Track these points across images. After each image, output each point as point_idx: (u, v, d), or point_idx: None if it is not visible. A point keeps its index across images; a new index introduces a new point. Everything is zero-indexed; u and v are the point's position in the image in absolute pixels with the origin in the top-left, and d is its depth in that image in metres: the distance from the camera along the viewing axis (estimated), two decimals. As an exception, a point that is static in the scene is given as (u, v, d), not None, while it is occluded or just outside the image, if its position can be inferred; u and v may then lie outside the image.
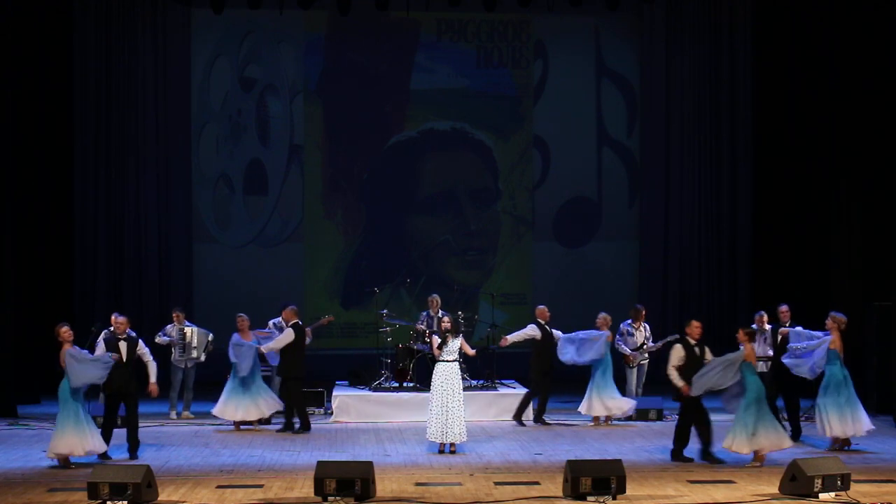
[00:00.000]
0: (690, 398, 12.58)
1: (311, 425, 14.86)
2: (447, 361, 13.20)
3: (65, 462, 12.44)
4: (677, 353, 12.78)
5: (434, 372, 13.31)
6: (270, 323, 15.97)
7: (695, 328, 12.97)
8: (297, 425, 14.76)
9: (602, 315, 15.62)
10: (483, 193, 21.09)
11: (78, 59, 19.91)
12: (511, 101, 21.03)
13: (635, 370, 16.09)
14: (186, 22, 20.44)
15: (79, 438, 12.39)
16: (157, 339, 16.14)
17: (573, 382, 16.80)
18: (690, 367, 12.61)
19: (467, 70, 20.96)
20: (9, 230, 16.93)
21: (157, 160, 20.30)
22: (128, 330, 13.45)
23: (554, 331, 15.51)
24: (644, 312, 16.24)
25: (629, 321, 16.14)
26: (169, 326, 16.23)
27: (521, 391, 16.10)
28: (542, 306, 15.77)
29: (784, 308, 14.83)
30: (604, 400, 15.24)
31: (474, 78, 20.98)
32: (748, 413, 12.35)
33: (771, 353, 15.90)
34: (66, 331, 12.70)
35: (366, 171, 20.92)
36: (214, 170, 20.76)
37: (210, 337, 16.24)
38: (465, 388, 14.07)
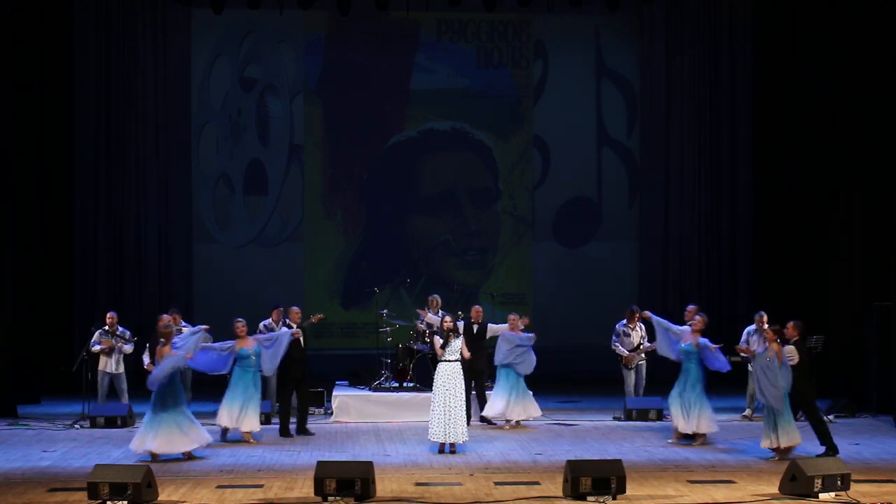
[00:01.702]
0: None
1: (291, 433, 14.55)
2: (449, 361, 13.21)
3: (154, 458, 12.71)
4: None
5: (436, 372, 13.32)
6: (261, 324, 15.87)
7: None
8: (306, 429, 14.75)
9: (512, 316, 15.52)
10: (483, 193, 21.09)
11: (78, 59, 19.91)
12: (511, 101, 21.03)
13: (633, 371, 16.06)
14: (186, 22, 20.44)
15: (181, 435, 12.80)
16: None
17: (573, 383, 16.80)
18: None
19: (467, 70, 20.96)
20: (9, 230, 16.91)
21: (157, 160, 20.29)
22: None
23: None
24: (638, 315, 16.16)
25: (624, 321, 16.09)
26: (166, 328, 16.18)
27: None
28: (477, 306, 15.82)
29: (692, 308, 14.85)
30: (525, 404, 15.21)
31: (474, 78, 20.98)
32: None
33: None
34: (167, 323, 13.56)
35: (366, 171, 20.92)
36: (214, 170, 20.76)
37: (204, 334, 16.10)
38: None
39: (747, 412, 15.89)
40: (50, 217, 19.04)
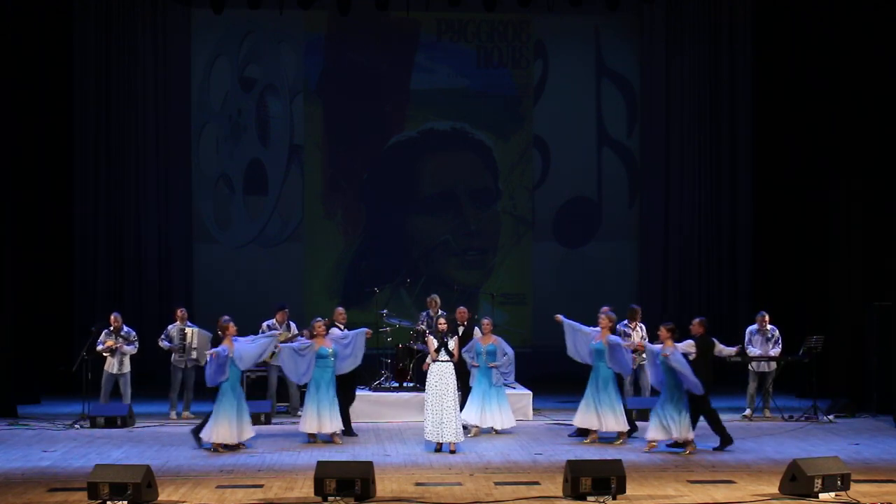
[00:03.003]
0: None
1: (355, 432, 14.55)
2: (442, 361, 13.26)
3: (220, 449, 13.24)
4: None
5: (429, 372, 13.35)
6: (264, 324, 15.90)
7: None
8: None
9: (485, 320, 14.88)
10: (483, 193, 21.09)
11: (78, 59, 19.91)
12: (511, 101, 21.03)
13: (634, 372, 16.02)
14: (186, 22, 20.44)
15: (232, 428, 13.27)
16: (160, 344, 16.12)
17: (573, 383, 16.79)
18: None
19: (467, 70, 20.96)
20: (9, 230, 16.91)
21: (157, 160, 20.29)
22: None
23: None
24: (640, 312, 16.18)
25: (625, 321, 16.09)
26: (171, 326, 16.19)
27: (522, 391, 16.10)
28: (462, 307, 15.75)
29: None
30: (498, 412, 14.75)
31: (474, 78, 20.98)
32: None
33: (773, 352, 15.95)
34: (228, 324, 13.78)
35: (366, 171, 20.92)
36: (214, 170, 20.76)
37: (211, 338, 16.14)
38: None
39: (747, 412, 15.90)
40: (50, 217, 19.03)
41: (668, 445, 13.50)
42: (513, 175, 21.07)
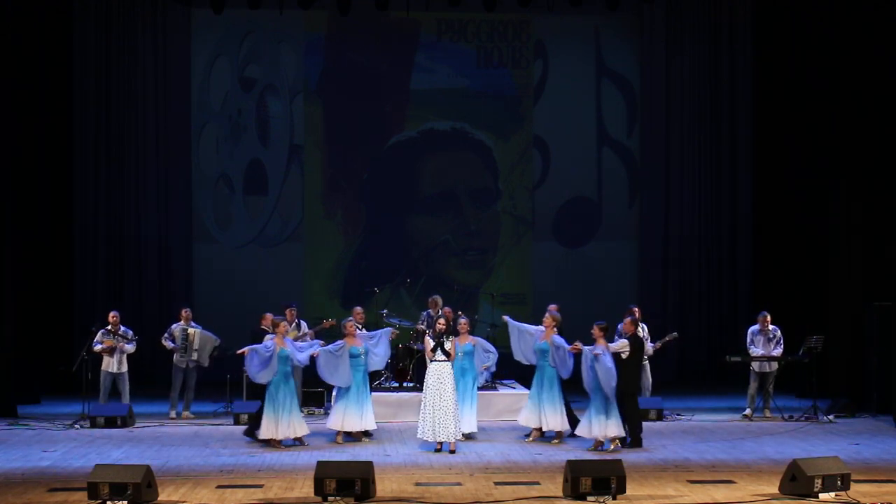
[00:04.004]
0: None
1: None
2: (439, 361, 13.26)
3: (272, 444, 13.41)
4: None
5: (427, 372, 13.37)
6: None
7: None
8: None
9: (462, 320, 14.44)
10: (483, 193, 21.10)
11: (78, 59, 19.92)
12: (511, 101, 21.03)
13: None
14: (186, 22, 20.45)
15: (276, 424, 13.42)
16: (163, 343, 16.12)
17: (573, 383, 16.76)
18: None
19: (467, 70, 20.96)
20: (9, 230, 16.91)
21: (157, 160, 20.31)
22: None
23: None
24: (638, 312, 16.14)
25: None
26: (174, 325, 16.18)
27: (521, 391, 16.09)
28: (447, 309, 15.60)
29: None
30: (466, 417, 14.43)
31: (474, 78, 20.98)
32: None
33: (776, 352, 15.93)
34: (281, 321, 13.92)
35: (366, 171, 20.92)
36: (214, 170, 20.76)
37: (217, 342, 16.11)
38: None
39: (748, 412, 15.89)
40: (50, 217, 19.04)
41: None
42: (513, 175, 21.07)
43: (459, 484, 11.40)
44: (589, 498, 10.55)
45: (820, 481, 10.62)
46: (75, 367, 15.79)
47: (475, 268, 21.02)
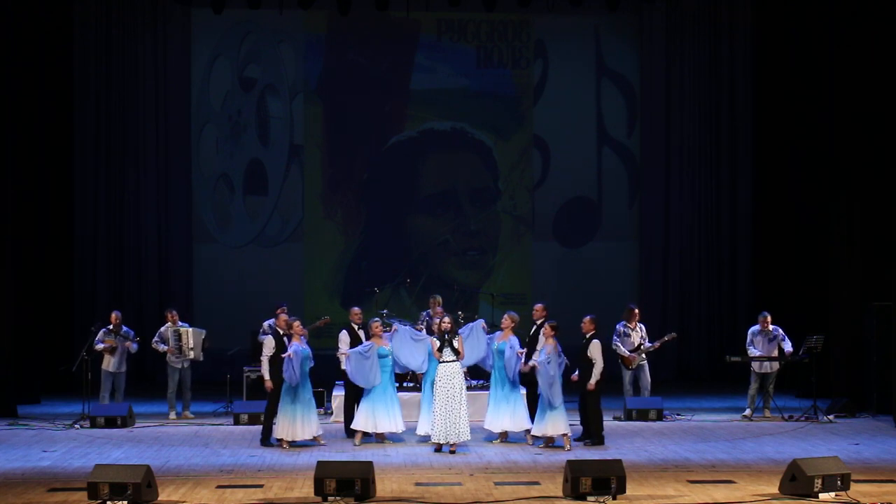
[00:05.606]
0: None
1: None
2: (447, 362, 13.23)
3: (285, 445, 13.45)
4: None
5: (436, 373, 13.33)
6: (266, 324, 15.89)
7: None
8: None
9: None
10: (483, 193, 21.10)
11: (78, 59, 19.92)
12: (511, 101, 21.03)
13: (635, 372, 16.00)
14: (186, 22, 20.45)
15: (295, 424, 13.46)
16: (154, 346, 16.10)
17: (573, 383, 16.75)
18: None
19: (467, 70, 20.96)
20: (9, 230, 16.91)
21: (157, 160, 20.31)
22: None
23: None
24: (637, 312, 16.13)
25: (624, 322, 16.06)
26: (163, 328, 16.16)
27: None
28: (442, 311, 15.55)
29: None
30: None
31: (474, 78, 20.98)
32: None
33: (786, 348, 15.91)
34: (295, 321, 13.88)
35: (366, 171, 20.93)
36: (214, 170, 20.76)
37: (203, 335, 16.14)
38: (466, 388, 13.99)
39: (748, 412, 15.88)
40: (50, 217, 19.03)
41: (574, 440, 13.63)
42: (513, 175, 21.07)
43: (459, 484, 11.40)
44: (589, 498, 10.55)
45: (820, 481, 10.62)
46: (75, 366, 15.79)
47: (475, 268, 21.01)
